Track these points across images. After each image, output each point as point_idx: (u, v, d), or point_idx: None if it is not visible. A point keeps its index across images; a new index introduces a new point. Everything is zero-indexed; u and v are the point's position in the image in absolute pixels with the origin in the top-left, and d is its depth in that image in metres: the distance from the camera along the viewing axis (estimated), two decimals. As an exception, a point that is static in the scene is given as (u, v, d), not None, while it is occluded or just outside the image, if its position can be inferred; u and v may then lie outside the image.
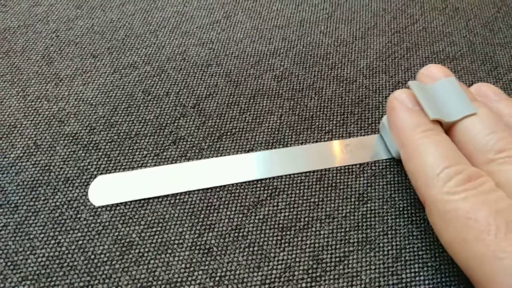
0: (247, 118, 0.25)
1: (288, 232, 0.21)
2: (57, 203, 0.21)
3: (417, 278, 0.20)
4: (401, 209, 0.22)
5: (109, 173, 0.22)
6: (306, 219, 0.21)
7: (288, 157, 0.23)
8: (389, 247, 0.21)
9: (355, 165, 0.23)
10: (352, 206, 0.22)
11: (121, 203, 0.21)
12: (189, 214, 0.21)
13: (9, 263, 0.19)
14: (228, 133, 0.24)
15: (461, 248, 0.17)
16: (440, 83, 0.21)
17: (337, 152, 0.24)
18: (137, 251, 0.20)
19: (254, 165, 0.23)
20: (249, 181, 0.22)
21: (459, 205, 0.17)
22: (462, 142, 0.20)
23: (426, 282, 0.20)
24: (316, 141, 0.24)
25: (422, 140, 0.19)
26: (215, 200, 0.22)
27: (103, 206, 0.21)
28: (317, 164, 0.23)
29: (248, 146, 0.24)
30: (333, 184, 0.23)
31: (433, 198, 0.18)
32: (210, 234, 0.20)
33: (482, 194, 0.17)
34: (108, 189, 0.21)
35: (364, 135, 0.25)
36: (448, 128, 0.21)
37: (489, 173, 0.18)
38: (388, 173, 0.23)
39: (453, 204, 0.17)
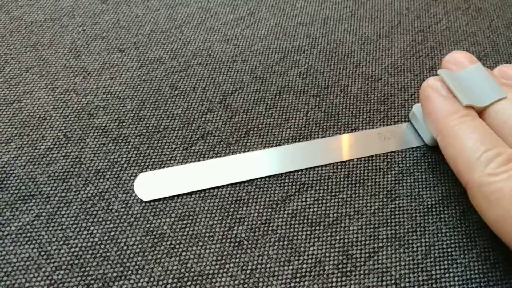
0: (273, 114, 0.25)
1: (317, 227, 0.21)
2: (89, 195, 0.21)
3: (447, 275, 0.20)
4: (429, 206, 0.22)
5: (140, 166, 0.22)
6: (335, 214, 0.21)
7: (315, 149, 0.24)
8: (418, 244, 0.21)
9: (383, 162, 0.23)
10: (381, 203, 0.22)
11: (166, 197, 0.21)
12: (219, 207, 0.21)
13: (42, 253, 0.19)
14: (255, 129, 0.24)
15: (510, 225, 0.17)
16: (467, 70, 0.22)
17: (370, 141, 0.24)
18: (168, 243, 0.20)
19: (283, 158, 0.23)
20: (279, 174, 0.22)
21: (504, 185, 0.17)
22: (496, 126, 0.20)
23: (456, 278, 0.20)
24: (343, 138, 0.24)
25: (460, 126, 0.20)
26: (244, 194, 0.22)
27: (134, 198, 0.21)
28: (348, 155, 0.23)
29: (275, 141, 0.24)
30: (361, 181, 0.23)
31: (476, 181, 0.18)
32: (240, 227, 0.20)
33: None
34: (150, 185, 0.21)
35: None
36: (480, 113, 0.21)
37: None
38: (415, 170, 0.23)
39: (498, 184, 0.18)
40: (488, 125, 0.20)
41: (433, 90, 0.21)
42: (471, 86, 0.21)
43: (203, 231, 0.20)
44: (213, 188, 0.22)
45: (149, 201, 0.21)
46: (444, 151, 0.20)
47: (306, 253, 0.20)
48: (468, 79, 0.22)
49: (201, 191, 0.21)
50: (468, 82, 0.21)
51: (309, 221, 0.21)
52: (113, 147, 0.23)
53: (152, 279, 0.19)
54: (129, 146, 0.23)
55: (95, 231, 0.20)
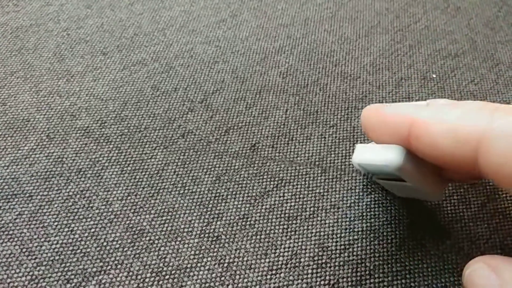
0: (253, 113, 0.26)
1: (294, 221, 0.21)
2: (70, 193, 0.21)
3: (420, 266, 0.20)
4: (404, 199, 0.22)
5: (121, 165, 0.23)
6: (312, 209, 0.22)
7: None
8: (393, 236, 0.21)
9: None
10: (357, 197, 0.22)
11: (133, 193, 0.22)
12: (198, 203, 0.22)
13: (24, 250, 0.19)
14: (235, 127, 0.25)
15: None
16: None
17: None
18: (147, 238, 0.20)
19: None
20: (256, 173, 0.23)
21: None
22: None
23: (429, 269, 0.20)
24: (321, 135, 0.25)
25: None
26: (223, 190, 0.22)
27: (114, 196, 0.21)
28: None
29: (254, 139, 0.24)
30: (338, 176, 0.23)
31: None
32: (219, 222, 0.21)
33: None
34: None
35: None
36: None
37: None
38: (391, 165, 0.24)
39: None
40: None
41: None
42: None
43: (182, 226, 0.21)
44: (191, 184, 0.22)
45: (126, 197, 0.21)
46: None
47: (282, 246, 0.20)
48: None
49: (178, 187, 0.22)
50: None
51: (286, 215, 0.21)
52: (94, 147, 0.23)
53: (131, 273, 0.19)
54: (111, 146, 0.23)
55: (75, 228, 0.20)
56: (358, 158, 0.19)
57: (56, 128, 0.24)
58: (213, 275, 0.19)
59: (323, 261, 0.20)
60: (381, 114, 0.18)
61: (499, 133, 0.14)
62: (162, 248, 0.20)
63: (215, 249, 0.20)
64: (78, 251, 0.20)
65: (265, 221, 0.21)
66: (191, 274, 0.19)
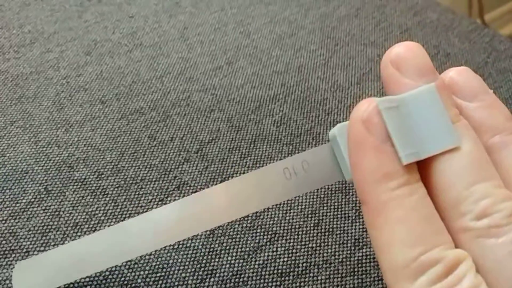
0: (247, 163, 0.26)
1: (287, 278, 0.22)
2: (67, 249, 0.22)
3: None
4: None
5: (117, 218, 0.23)
6: (304, 264, 0.22)
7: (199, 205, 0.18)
8: (384, 292, 0.21)
9: (351, 210, 0.24)
10: (348, 252, 0.23)
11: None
12: (192, 259, 0.22)
13: (20, 308, 0.20)
14: (230, 178, 0.26)
15: None
16: (415, 94, 0.15)
17: (277, 182, 0.17)
18: (142, 296, 0.21)
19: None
20: (249, 226, 0.23)
21: None
22: (436, 190, 0.15)
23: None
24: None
25: (391, 203, 0.14)
26: (217, 245, 0.23)
27: None
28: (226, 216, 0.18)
29: (248, 191, 0.25)
30: (330, 229, 0.24)
31: None
32: (212, 279, 0.21)
33: None
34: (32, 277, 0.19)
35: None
36: (421, 162, 0.15)
37: (463, 244, 0.14)
38: (382, 218, 0.24)
39: None
40: (428, 185, 0.15)
41: (367, 132, 0.15)
42: (416, 122, 0.15)
43: (176, 283, 0.21)
44: (187, 239, 0.22)
45: None
46: (368, 228, 0.15)
47: (275, 304, 0.21)
48: (414, 108, 0.15)
49: (176, 242, 0.22)
50: (413, 113, 0.15)
51: (279, 271, 0.22)
52: (91, 200, 0.24)
53: (125, 332, 0.19)
54: (107, 199, 0.24)
55: (71, 285, 0.21)
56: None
57: (54, 180, 0.24)
58: (206, 334, 0.20)
59: (315, 319, 0.20)
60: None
61: None
62: (156, 306, 0.20)
63: (209, 307, 0.20)
64: (74, 309, 0.20)
65: (258, 277, 0.22)
66: (185, 333, 0.20)
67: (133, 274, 0.21)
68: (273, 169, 0.17)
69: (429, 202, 0.15)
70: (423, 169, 0.15)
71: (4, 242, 0.22)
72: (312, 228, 0.24)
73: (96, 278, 0.21)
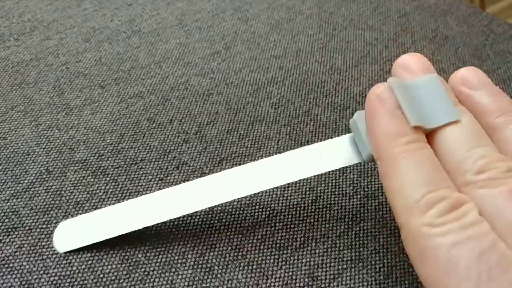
0: (246, 144, 0.27)
1: (285, 251, 0.22)
2: (68, 226, 0.22)
3: (408, 294, 0.21)
4: (392, 228, 0.23)
5: (117, 197, 0.23)
6: (302, 238, 0.22)
7: (249, 175, 0.21)
8: (381, 265, 0.22)
9: (349, 187, 0.25)
10: (346, 226, 0.23)
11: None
12: (192, 235, 0.22)
13: (23, 282, 0.20)
14: (229, 158, 0.26)
15: None
16: (421, 81, 0.19)
17: (311, 161, 0.21)
18: (143, 270, 0.21)
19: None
20: (248, 203, 0.24)
21: (440, 242, 0.15)
22: (441, 156, 0.18)
23: (417, 297, 0.21)
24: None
25: (403, 155, 0.17)
26: (216, 221, 0.23)
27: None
28: (283, 179, 0.21)
29: (247, 170, 0.25)
30: (328, 205, 0.24)
31: (411, 228, 0.16)
32: (212, 253, 0.22)
33: (466, 228, 0.15)
34: (76, 233, 0.21)
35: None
36: (429, 136, 0.18)
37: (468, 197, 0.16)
38: (380, 194, 0.24)
39: (433, 241, 0.15)
40: (435, 152, 0.18)
41: (381, 103, 0.18)
42: (422, 101, 0.18)
43: (176, 258, 0.21)
44: (185, 216, 0.23)
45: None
46: (382, 180, 0.18)
47: (273, 276, 0.21)
48: (420, 91, 0.19)
49: (174, 218, 0.23)
50: (419, 95, 0.18)
51: (277, 245, 0.22)
52: (92, 180, 0.24)
53: (126, 305, 0.20)
54: (107, 178, 0.24)
55: (73, 261, 0.21)
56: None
57: (55, 162, 0.25)
58: (206, 305, 0.20)
59: (313, 290, 0.21)
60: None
61: None
62: (157, 280, 0.21)
63: (208, 280, 0.21)
64: (76, 283, 0.20)
65: (256, 251, 0.22)
66: (185, 305, 0.20)
67: (133, 249, 0.22)
68: (309, 150, 0.21)
69: (435, 158, 0.17)
70: (428, 141, 0.18)
71: (6, 220, 0.22)
72: (309, 205, 0.24)
73: (98, 253, 0.21)
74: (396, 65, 0.20)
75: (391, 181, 0.17)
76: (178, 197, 0.21)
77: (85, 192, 0.24)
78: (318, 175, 0.25)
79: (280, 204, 0.24)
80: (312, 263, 0.22)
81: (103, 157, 0.25)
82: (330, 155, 0.21)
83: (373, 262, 0.22)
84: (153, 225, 0.22)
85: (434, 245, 0.15)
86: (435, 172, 0.17)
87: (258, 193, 0.24)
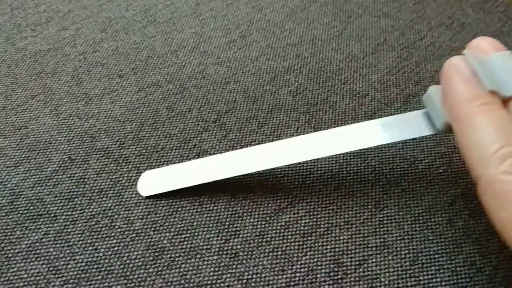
0: (265, 131, 0.27)
1: (309, 238, 0.22)
2: (93, 213, 0.22)
3: (434, 280, 0.21)
4: (416, 215, 0.23)
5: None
6: (326, 225, 0.22)
7: (312, 142, 0.23)
8: (406, 251, 0.22)
9: (371, 174, 0.25)
10: (369, 213, 0.23)
11: (152, 212, 0.22)
12: (215, 221, 0.22)
13: (51, 268, 0.20)
14: (248, 146, 0.26)
15: None
16: (494, 56, 0.20)
17: (374, 132, 0.23)
18: (168, 256, 0.21)
19: (287, 151, 0.23)
20: (271, 188, 0.24)
21: None
22: None
23: (443, 283, 0.21)
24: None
25: (479, 114, 0.18)
26: (238, 208, 0.23)
27: (135, 215, 0.22)
28: (356, 144, 0.23)
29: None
30: (350, 193, 0.24)
31: (489, 177, 0.17)
32: (236, 240, 0.22)
33: None
34: (155, 182, 0.24)
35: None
36: (504, 103, 0.20)
37: None
38: (403, 181, 0.24)
39: (510, 186, 0.17)
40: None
41: (456, 71, 0.20)
42: (497, 73, 0.20)
43: (201, 244, 0.21)
44: (208, 202, 0.23)
45: (146, 216, 0.22)
46: (458, 140, 0.19)
47: (299, 263, 0.21)
48: (495, 65, 0.20)
49: (195, 205, 0.23)
50: (495, 68, 0.20)
51: (301, 232, 0.22)
52: (114, 168, 0.24)
53: (153, 290, 0.20)
54: (130, 166, 0.24)
55: (99, 247, 0.21)
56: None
57: (77, 150, 0.25)
58: (233, 291, 0.20)
59: (339, 277, 0.21)
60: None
61: None
62: (183, 266, 0.21)
63: (234, 266, 0.21)
64: (103, 269, 0.20)
65: (280, 238, 0.22)
66: (212, 290, 0.20)
67: (158, 235, 0.22)
68: (373, 123, 0.23)
69: (510, 119, 0.19)
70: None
71: (32, 207, 0.22)
72: (332, 192, 0.24)
73: (123, 240, 0.21)
74: (469, 47, 0.21)
75: (468, 138, 0.19)
76: (256, 155, 0.23)
77: (108, 180, 0.24)
78: (339, 162, 0.25)
79: (302, 191, 0.24)
80: (337, 249, 0.22)
81: (124, 145, 0.25)
82: (399, 128, 0.23)
83: (398, 249, 0.22)
84: (176, 212, 0.22)
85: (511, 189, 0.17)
86: (509, 129, 0.18)
87: (280, 180, 0.24)
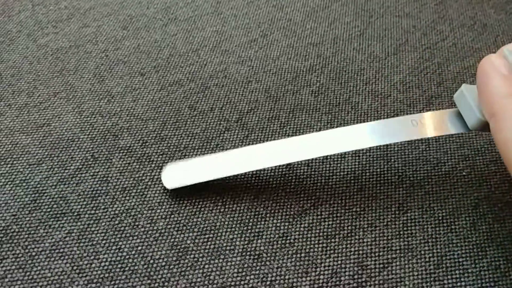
0: (287, 132, 0.27)
1: (333, 240, 0.22)
2: (116, 212, 0.22)
3: (459, 284, 0.21)
4: (440, 218, 0.23)
5: (162, 182, 0.24)
6: (349, 227, 0.22)
7: (340, 136, 0.23)
8: (430, 255, 0.21)
9: (394, 176, 0.24)
10: (393, 216, 0.23)
11: (176, 211, 0.22)
12: (238, 222, 0.22)
13: (75, 267, 0.20)
14: (271, 146, 0.26)
15: None
16: None
17: (406, 127, 0.23)
18: (192, 256, 0.21)
19: (311, 145, 0.23)
20: (295, 188, 0.23)
21: None
22: None
23: (468, 287, 0.20)
24: (355, 153, 0.25)
25: None
26: (261, 209, 0.23)
27: (158, 215, 0.22)
28: (387, 139, 0.23)
29: (290, 158, 0.25)
30: (374, 195, 0.24)
31: None
32: (259, 241, 0.22)
33: None
34: (179, 174, 0.24)
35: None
36: None
37: None
38: (426, 183, 0.24)
39: None
40: None
41: (493, 67, 0.20)
42: None
43: (224, 244, 0.21)
44: (230, 202, 0.23)
45: (170, 215, 0.22)
46: (496, 135, 0.19)
47: (322, 265, 0.21)
48: None
49: (218, 205, 0.23)
50: None
51: (325, 234, 0.22)
52: (137, 166, 0.24)
53: (177, 290, 0.20)
54: (153, 165, 0.24)
55: (123, 246, 0.21)
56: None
57: (100, 148, 0.25)
58: (256, 292, 0.20)
59: (363, 279, 0.21)
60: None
61: None
62: (206, 266, 0.21)
63: (257, 267, 0.21)
64: (127, 268, 0.20)
65: (304, 239, 0.22)
66: (235, 291, 0.20)
67: (182, 235, 0.22)
68: (404, 119, 0.23)
69: None
70: None
71: (55, 206, 0.22)
72: (355, 194, 0.24)
73: (147, 239, 0.21)
74: (503, 49, 0.21)
75: (506, 133, 0.19)
76: (277, 150, 0.23)
77: (131, 178, 0.24)
78: (362, 163, 0.25)
79: (325, 193, 0.24)
80: (360, 252, 0.21)
81: (147, 144, 0.25)
82: (429, 125, 0.23)
83: (422, 252, 0.21)
84: (199, 212, 0.22)
85: None
86: None
87: (302, 181, 0.24)
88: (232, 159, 0.24)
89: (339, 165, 0.25)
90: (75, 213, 0.22)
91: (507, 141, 0.19)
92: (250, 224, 0.22)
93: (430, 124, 0.23)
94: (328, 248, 0.21)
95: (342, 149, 0.23)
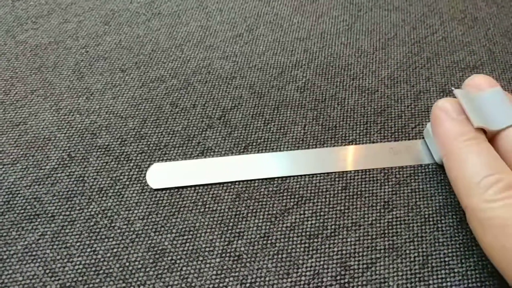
0: (271, 129, 0.26)
1: (316, 240, 0.21)
2: (92, 213, 0.22)
3: (444, 284, 0.20)
4: (426, 216, 0.22)
5: (141, 184, 0.23)
6: (333, 226, 0.22)
7: (320, 157, 0.24)
8: (416, 254, 0.21)
9: (380, 173, 0.24)
10: (378, 214, 0.22)
11: (153, 212, 0.22)
12: (219, 222, 0.22)
13: (47, 271, 0.20)
14: (254, 143, 0.25)
15: (500, 254, 0.18)
16: (486, 93, 0.22)
17: (383, 154, 0.25)
18: (169, 258, 0.20)
19: (288, 163, 0.24)
20: (278, 188, 0.23)
21: (498, 213, 0.18)
22: (505, 152, 0.20)
23: (454, 287, 0.20)
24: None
25: (465, 149, 0.20)
26: (243, 208, 0.22)
27: (136, 215, 0.22)
28: (363, 164, 0.24)
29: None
30: (359, 193, 0.23)
31: (473, 205, 0.19)
32: (240, 241, 0.21)
33: None
34: (162, 175, 0.23)
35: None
36: (492, 137, 0.21)
37: None
38: (412, 181, 0.23)
39: (492, 212, 0.18)
40: (498, 150, 0.21)
41: (443, 112, 0.22)
42: (487, 109, 0.21)
43: (203, 246, 0.21)
44: (212, 202, 0.22)
45: (147, 216, 0.21)
46: (448, 173, 0.21)
47: (304, 266, 0.20)
48: (485, 101, 0.22)
49: (198, 205, 0.22)
50: (484, 104, 0.22)
51: (307, 233, 0.21)
52: (115, 166, 0.24)
53: (153, 294, 0.19)
54: (131, 164, 0.24)
55: (98, 248, 0.20)
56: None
57: (77, 147, 0.24)
58: (236, 295, 0.19)
59: (346, 280, 0.20)
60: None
61: None
62: (184, 268, 0.20)
63: (237, 269, 0.20)
64: (101, 271, 0.20)
65: (286, 239, 0.21)
66: (214, 294, 0.19)
67: (159, 236, 0.21)
68: (384, 146, 0.25)
69: (493, 151, 0.20)
70: (493, 143, 0.21)
71: (29, 207, 0.22)
72: (339, 192, 0.23)
73: (123, 241, 0.21)
74: (465, 85, 0.23)
75: (456, 171, 0.20)
76: (255, 162, 0.24)
77: (109, 178, 0.23)
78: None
79: (309, 191, 0.23)
80: (344, 252, 0.21)
81: (126, 142, 0.25)
82: (405, 153, 0.25)
83: (407, 251, 0.21)
84: (178, 212, 0.22)
85: (493, 215, 0.18)
86: (492, 160, 0.19)
87: (286, 179, 0.23)
88: (219, 167, 0.24)
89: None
90: (49, 215, 0.21)
91: (456, 178, 0.20)
92: (231, 224, 0.22)
93: (406, 153, 0.25)
94: (311, 248, 0.21)
95: (324, 170, 0.24)
